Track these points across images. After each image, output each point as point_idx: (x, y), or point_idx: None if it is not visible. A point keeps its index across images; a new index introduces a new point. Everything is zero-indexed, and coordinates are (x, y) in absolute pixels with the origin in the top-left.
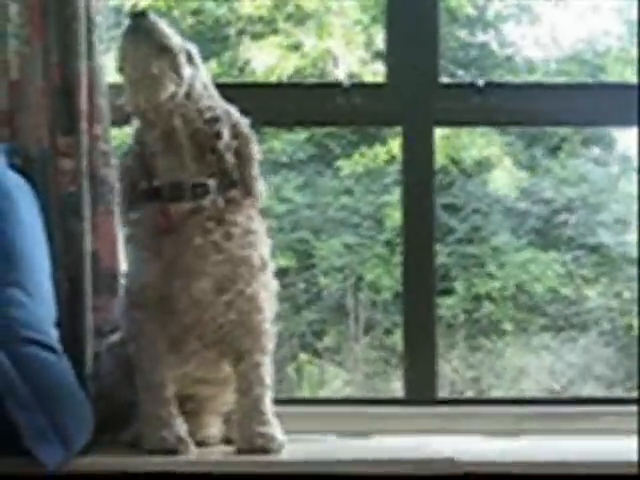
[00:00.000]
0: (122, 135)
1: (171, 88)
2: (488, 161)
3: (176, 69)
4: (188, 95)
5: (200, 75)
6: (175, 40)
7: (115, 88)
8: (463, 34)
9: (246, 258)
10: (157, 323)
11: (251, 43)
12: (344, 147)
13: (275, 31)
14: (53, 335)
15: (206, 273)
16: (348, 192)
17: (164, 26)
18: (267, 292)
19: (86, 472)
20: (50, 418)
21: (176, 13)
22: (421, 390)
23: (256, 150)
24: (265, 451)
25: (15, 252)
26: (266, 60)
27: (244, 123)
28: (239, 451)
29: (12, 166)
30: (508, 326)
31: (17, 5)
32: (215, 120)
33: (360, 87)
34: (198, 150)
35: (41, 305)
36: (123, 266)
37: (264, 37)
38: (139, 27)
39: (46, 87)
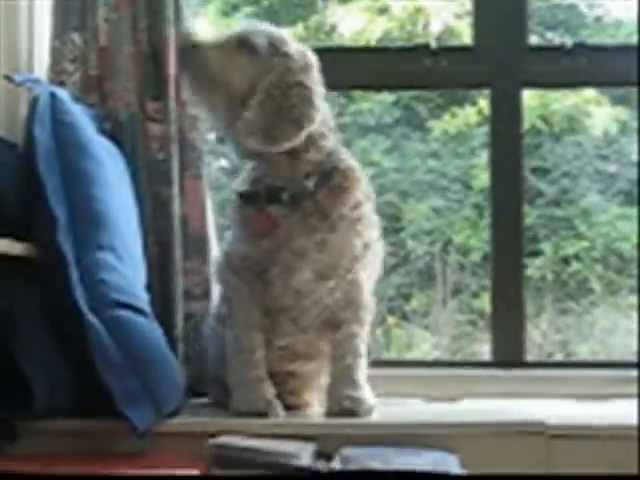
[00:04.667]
0: None
1: (227, 115)
2: (582, 107)
3: (229, 98)
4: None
5: (263, 67)
6: (220, 70)
7: None
8: None
9: (348, 248)
10: (252, 290)
11: (338, 7)
12: (431, 110)
13: None
14: (143, 298)
15: (307, 268)
16: (435, 155)
17: (210, 56)
18: (368, 271)
19: (174, 432)
20: (141, 380)
21: None
22: (509, 353)
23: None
24: (353, 414)
25: (105, 216)
26: (353, 24)
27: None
28: (327, 414)
29: (102, 131)
30: (597, 289)
31: None
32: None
33: (448, 50)
34: (292, 153)
35: (131, 268)
36: (212, 230)
37: (351, 0)
38: (189, 63)
39: (135, 52)
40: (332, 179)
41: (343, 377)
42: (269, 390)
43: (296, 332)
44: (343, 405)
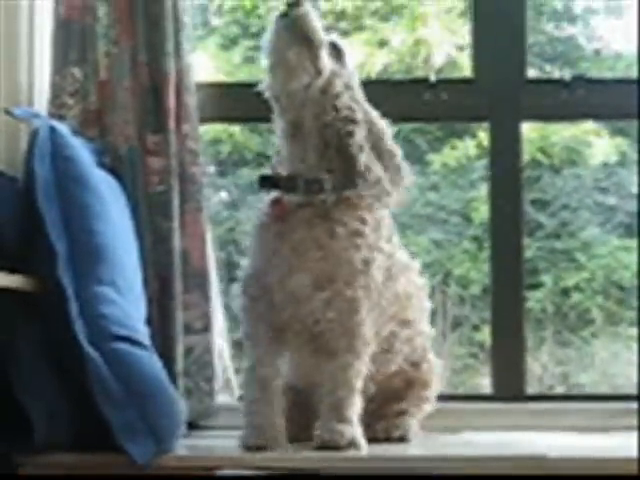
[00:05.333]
0: (213, 132)
1: (305, 78)
2: (581, 138)
3: (314, 61)
4: (325, 90)
5: (345, 74)
6: (319, 33)
7: (202, 87)
8: (550, 28)
9: (347, 259)
10: (259, 313)
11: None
12: (431, 143)
13: (361, 27)
14: (143, 332)
15: (303, 268)
16: (435, 188)
17: (313, 18)
18: (367, 295)
19: (174, 467)
20: (141, 414)
21: (262, 11)
22: (510, 386)
23: (393, 149)
24: (340, 449)
25: (105, 250)
26: (354, 57)
27: (383, 125)
28: (318, 448)
29: (102, 165)
30: (598, 320)
31: (105, 6)
32: (351, 120)
33: (447, 82)
34: (323, 146)
35: (131, 302)
36: (212, 264)
37: (351, 34)
38: (287, 15)
39: (134, 86)
40: (350, 191)
41: (333, 412)
42: (278, 423)
43: (300, 346)
44: (331, 441)
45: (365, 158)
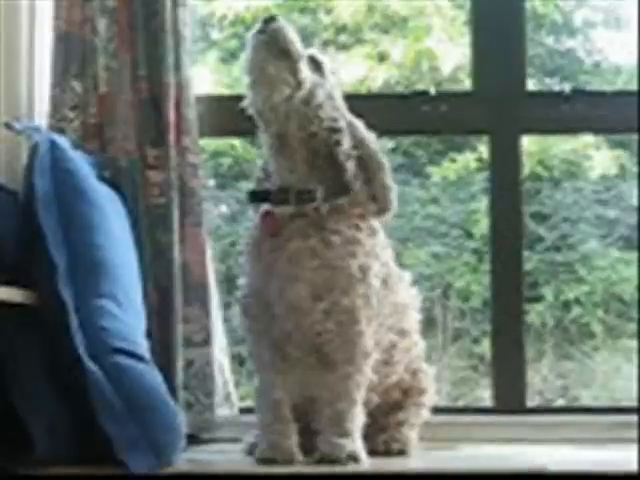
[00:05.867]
0: (213, 145)
1: (286, 91)
2: (581, 152)
3: (294, 73)
4: (307, 101)
5: (325, 84)
6: (297, 46)
7: (202, 100)
8: (549, 41)
9: (344, 267)
10: (261, 331)
11: (337, 54)
12: (431, 156)
13: (361, 41)
14: (143, 345)
15: (301, 278)
16: (435, 201)
17: (290, 32)
18: (366, 304)
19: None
20: (141, 427)
21: None
22: (510, 399)
23: (382, 162)
24: (339, 463)
25: (105, 263)
26: (353, 71)
27: (369, 136)
28: (318, 461)
29: (102, 178)
30: (598, 333)
31: (105, 20)
32: (335, 130)
33: (447, 96)
34: (311, 156)
35: (131, 315)
36: (212, 277)
37: (350, 47)
38: (264, 30)
39: (134, 100)
40: (342, 198)
41: (333, 424)
42: (289, 437)
43: (302, 357)
44: (331, 454)
45: (352, 166)
